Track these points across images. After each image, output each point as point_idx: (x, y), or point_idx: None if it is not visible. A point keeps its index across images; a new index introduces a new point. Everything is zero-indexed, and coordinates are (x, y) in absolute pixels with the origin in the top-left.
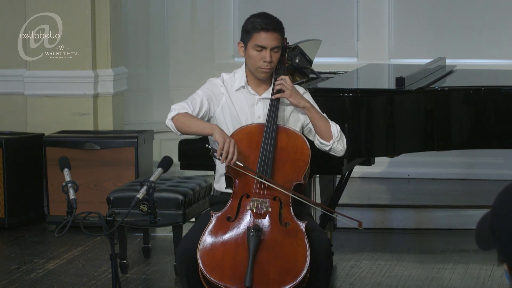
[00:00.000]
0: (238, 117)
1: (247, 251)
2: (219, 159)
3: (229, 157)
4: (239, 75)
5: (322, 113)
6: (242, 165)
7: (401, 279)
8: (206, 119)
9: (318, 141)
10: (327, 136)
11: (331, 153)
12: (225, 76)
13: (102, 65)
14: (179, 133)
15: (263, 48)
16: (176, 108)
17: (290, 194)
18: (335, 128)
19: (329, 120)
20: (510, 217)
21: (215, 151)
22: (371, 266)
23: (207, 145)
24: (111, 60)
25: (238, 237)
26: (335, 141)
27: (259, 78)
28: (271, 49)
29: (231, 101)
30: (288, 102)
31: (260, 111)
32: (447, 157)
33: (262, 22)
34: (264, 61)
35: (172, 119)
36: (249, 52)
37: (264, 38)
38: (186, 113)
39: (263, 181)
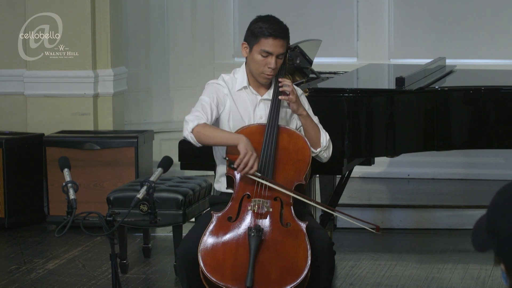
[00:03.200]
0: (241, 117)
1: (248, 251)
2: (236, 168)
3: (246, 169)
4: (240, 75)
5: (313, 116)
6: (259, 175)
7: (401, 279)
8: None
9: None
10: (315, 144)
11: (316, 158)
12: (226, 77)
13: (102, 65)
14: (199, 145)
15: (269, 54)
16: (192, 119)
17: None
18: (324, 137)
19: (320, 128)
20: (507, 217)
21: (233, 163)
22: (371, 266)
23: (224, 157)
24: (111, 60)
25: (239, 237)
26: (322, 150)
27: (260, 83)
28: (277, 56)
29: (234, 102)
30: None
31: (262, 111)
32: (447, 157)
33: (271, 29)
34: (269, 67)
35: (192, 131)
36: (253, 55)
37: (271, 44)
38: (205, 124)
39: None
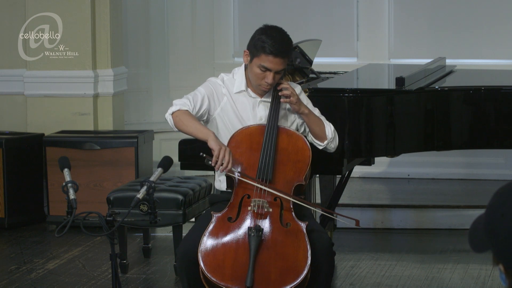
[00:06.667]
0: (241, 118)
1: (248, 252)
2: (214, 166)
3: (224, 165)
4: (239, 77)
5: (314, 108)
6: (238, 172)
7: (401, 279)
8: (205, 118)
9: (311, 139)
10: (321, 138)
11: (324, 150)
12: (225, 77)
13: (102, 65)
14: (176, 129)
15: (267, 69)
16: (178, 104)
17: (291, 199)
18: (329, 129)
19: (323, 120)
20: (506, 217)
21: (210, 159)
22: (371, 266)
23: (201, 153)
24: (111, 60)
25: (239, 237)
26: (329, 142)
27: (258, 92)
28: (275, 72)
29: (233, 102)
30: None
31: (262, 112)
32: (447, 157)
33: (272, 46)
34: (266, 81)
35: (172, 114)
36: (253, 67)
37: (271, 61)
38: (187, 111)
39: (262, 187)
